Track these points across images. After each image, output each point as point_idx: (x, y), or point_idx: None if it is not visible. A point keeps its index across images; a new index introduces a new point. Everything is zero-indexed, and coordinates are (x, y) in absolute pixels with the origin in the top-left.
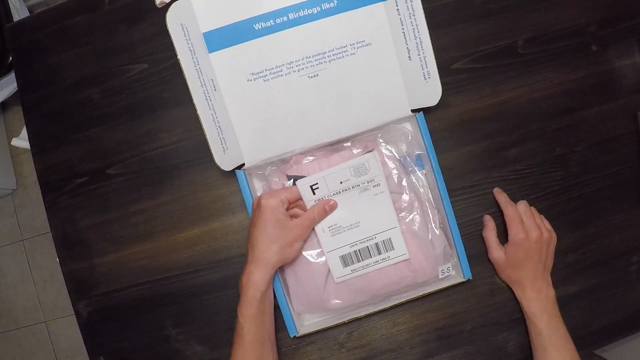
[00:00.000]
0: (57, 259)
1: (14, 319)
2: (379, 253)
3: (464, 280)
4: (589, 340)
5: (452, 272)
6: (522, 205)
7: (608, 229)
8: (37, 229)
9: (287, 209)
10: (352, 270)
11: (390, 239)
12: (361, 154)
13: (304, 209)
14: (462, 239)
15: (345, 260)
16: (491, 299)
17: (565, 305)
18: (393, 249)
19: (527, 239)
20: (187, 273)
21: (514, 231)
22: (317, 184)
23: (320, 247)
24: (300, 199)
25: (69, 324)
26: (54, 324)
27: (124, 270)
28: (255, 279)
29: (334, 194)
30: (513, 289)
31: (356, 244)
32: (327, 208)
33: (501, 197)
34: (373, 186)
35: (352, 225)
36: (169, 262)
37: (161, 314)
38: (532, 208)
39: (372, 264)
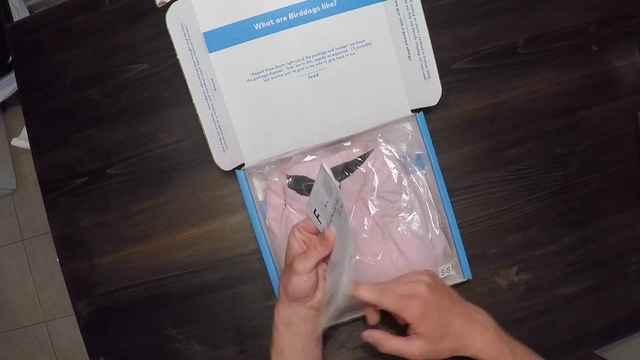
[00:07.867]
0: (57, 259)
1: (14, 319)
2: None
3: (464, 280)
4: (589, 340)
5: (452, 272)
6: (385, 289)
7: (608, 229)
8: (37, 229)
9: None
10: None
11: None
12: (361, 153)
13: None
14: (462, 239)
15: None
16: (491, 299)
17: (565, 305)
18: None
19: (423, 301)
20: (187, 273)
21: (407, 310)
22: (315, 210)
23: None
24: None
25: (69, 324)
26: (54, 324)
27: (124, 270)
28: None
29: (329, 222)
30: (461, 354)
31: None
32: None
33: (367, 306)
34: (341, 206)
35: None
36: (169, 262)
37: (161, 314)
38: None
39: None
